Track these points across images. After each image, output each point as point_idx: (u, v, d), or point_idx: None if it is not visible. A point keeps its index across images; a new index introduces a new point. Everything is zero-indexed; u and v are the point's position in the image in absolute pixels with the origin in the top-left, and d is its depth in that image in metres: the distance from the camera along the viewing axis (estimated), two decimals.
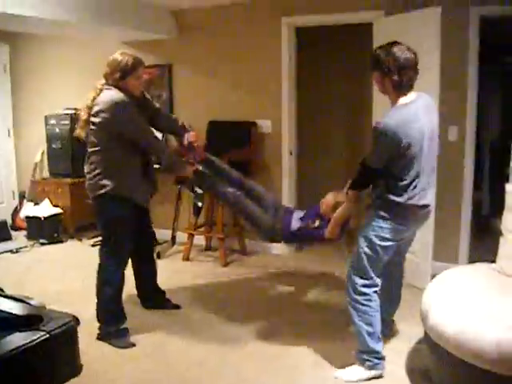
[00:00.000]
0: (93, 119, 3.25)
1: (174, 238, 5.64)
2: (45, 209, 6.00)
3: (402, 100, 2.79)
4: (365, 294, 2.93)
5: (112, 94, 3.24)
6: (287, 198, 5.34)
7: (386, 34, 4.32)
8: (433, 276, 3.33)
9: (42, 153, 6.63)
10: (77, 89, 6.35)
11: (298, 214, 3.79)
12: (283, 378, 2.99)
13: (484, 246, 4.07)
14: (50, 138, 6.28)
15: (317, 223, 3.61)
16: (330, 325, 3.66)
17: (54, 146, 6.25)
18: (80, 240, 5.99)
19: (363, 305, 2.92)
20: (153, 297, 3.96)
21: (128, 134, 3.30)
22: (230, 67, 5.45)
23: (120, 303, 3.51)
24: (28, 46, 6.69)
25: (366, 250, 2.89)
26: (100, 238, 3.52)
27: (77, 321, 2.99)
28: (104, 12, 4.79)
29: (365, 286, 2.93)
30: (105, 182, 3.32)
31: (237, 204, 3.82)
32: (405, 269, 3.38)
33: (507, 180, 3.22)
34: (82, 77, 6.27)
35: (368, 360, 2.93)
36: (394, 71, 2.72)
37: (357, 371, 2.96)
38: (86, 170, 3.41)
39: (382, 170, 2.82)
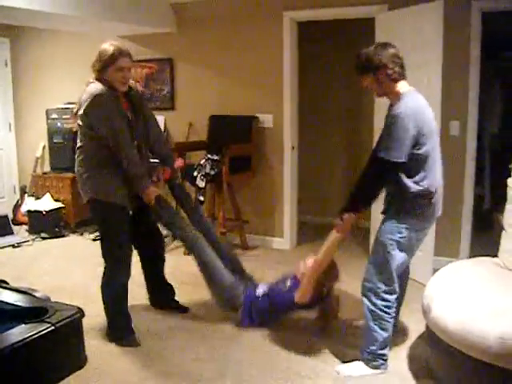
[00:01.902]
0: (78, 113, 3.17)
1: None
2: (46, 203, 6.01)
3: (403, 87, 2.77)
4: (386, 300, 2.86)
5: (92, 87, 3.11)
6: (289, 193, 5.36)
7: (388, 28, 4.32)
8: (434, 271, 3.34)
9: (43, 147, 6.63)
10: (78, 82, 6.22)
11: (262, 287, 3.56)
12: (284, 371, 2.99)
13: (485, 241, 4.09)
14: (51, 132, 6.29)
15: (288, 283, 3.43)
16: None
17: (55, 140, 6.26)
18: (81, 234, 6.01)
19: (382, 311, 2.85)
20: (160, 296, 3.91)
21: (101, 130, 3.10)
22: (231, 61, 5.44)
23: (123, 303, 3.43)
24: (28, 40, 6.67)
25: (394, 252, 2.82)
26: None
27: (82, 313, 2.99)
28: (103, 5, 4.79)
29: (387, 292, 2.85)
30: (88, 186, 3.23)
31: (196, 249, 3.53)
32: None
33: (509, 175, 3.21)
34: (83, 70, 6.17)
35: (373, 361, 2.91)
36: (386, 63, 2.72)
37: (360, 368, 2.93)
38: (75, 169, 3.32)
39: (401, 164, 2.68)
